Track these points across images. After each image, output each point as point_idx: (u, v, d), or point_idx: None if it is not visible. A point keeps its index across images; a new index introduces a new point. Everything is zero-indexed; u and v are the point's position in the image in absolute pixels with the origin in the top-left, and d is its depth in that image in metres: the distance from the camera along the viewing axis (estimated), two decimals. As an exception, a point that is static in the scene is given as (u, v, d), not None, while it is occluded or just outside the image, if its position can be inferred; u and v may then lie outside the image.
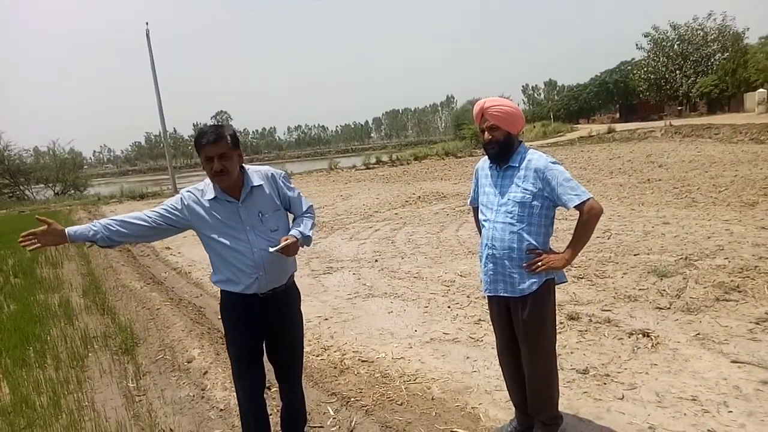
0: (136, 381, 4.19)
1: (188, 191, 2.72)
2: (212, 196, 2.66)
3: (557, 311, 4.79)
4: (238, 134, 2.67)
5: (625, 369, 3.71)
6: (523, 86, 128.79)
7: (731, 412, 3.07)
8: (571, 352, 4.03)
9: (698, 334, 4.15)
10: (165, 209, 2.66)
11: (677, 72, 49.46)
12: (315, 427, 3.33)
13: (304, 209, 2.89)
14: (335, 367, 4.14)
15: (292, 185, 2.92)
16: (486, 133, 2.83)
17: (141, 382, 4.16)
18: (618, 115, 57.72)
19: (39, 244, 2.51)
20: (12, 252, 10.61)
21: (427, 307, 5.35)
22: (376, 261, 7.41)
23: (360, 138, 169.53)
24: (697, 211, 8.74)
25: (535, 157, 2.81)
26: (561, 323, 4.58)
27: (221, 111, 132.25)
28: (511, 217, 2.77)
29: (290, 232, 2.74)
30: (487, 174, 2.96)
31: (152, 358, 4.65)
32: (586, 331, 4.42)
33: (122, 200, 24.34)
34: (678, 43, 49.63)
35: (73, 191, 35.63)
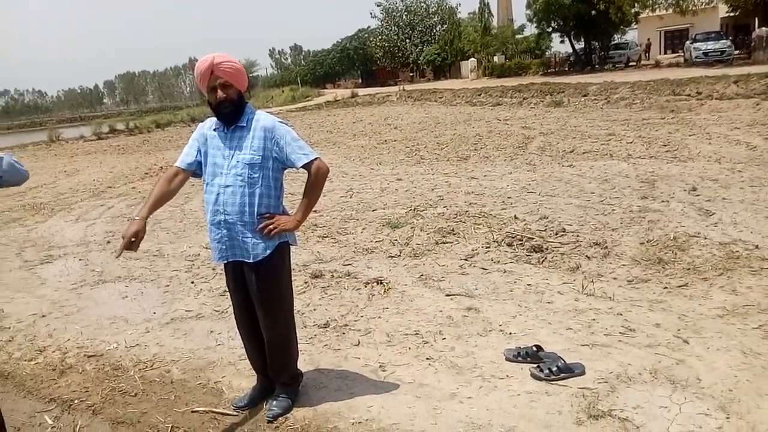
0: None
1: None
2: None
3: (303, 272, 4.96)
4: None
5: (362, 317, 3.99)
6: (270, 50, 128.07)
7: (444, 339, 3.54)
8: (314, 309, 4.18)
9: (422, 275, 4.67)
10: None
11: (407, 41, 54.41)
12: (29, 442, 2.87)
13: None
14: (54, 369, 3.59)
15: None
16: (219, 91, 2.67)
17: None
18: (360, 81, 61.43)
19: None
20: None
21: (168, 285, 4.99)
22: (109, 242, 6.63)
23: (90, 105, 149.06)
24: (424, 166, 9.83)
25: (263, 117, 2.77)
26: (306, 283, 4.71)
27: None
28: (242, 180, 2.69)
29: None
30: (214, 135, 2.80)
31: None
32: (328, 286, 4.62)
33: None
34: (406, 14, 54.46)
35: None
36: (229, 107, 2.69)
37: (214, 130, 2.80)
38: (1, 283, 5.42)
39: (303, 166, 2.73)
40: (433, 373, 3.14)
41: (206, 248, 5.99)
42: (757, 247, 4.55)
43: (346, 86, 54.97)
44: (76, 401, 3.19)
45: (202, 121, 2.98)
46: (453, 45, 46.32)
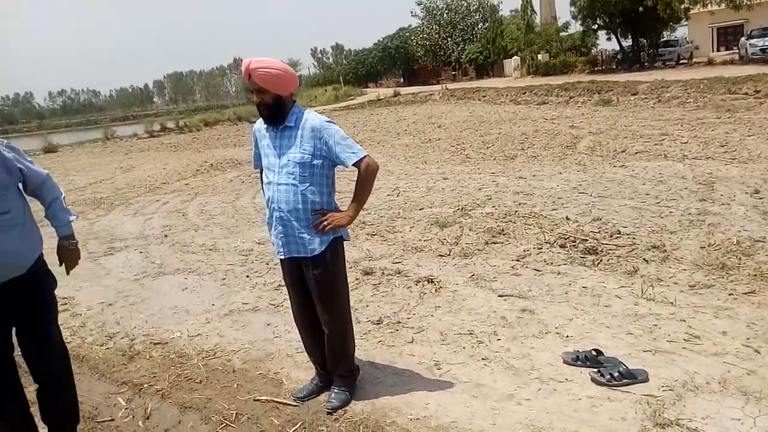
0: None
1: None
2: None
3: (354, 268, 5.03)
4: None
5: (414, 314, 4.02)
6: (311, 49, 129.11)
7: (499, 339, 3.53)
8: (367, 305, 4.24)
9: (473, 275, 4.66)
10: None
11: (448, 39, 54.01)
12: (104, 421, 3.03)
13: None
14: (124, 355, 3.78)
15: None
16: (255, 95, 2.78)
17: None
18: (402, 80, 61.33)
19: None
20: None
21: (224, 279, 5.15)
22: (166, 236, 6.88)
23: (141, 104, 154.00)
24: (470, 166, 9.77)
25: (311, 116, 2.83)
26: (357, 279, 4.78)
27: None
28: (293, 178, 2.77)
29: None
30: (265, 135, 2.91)
31: None
32: (379, 284, 4.67)
33: None
34: (447, 12, 54.07)
35: None
36: (264, 110, 2.79)
37: (266, 128, 2.90)
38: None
39: (353, 164, 2.78)
40: (489, 374, 3.14)
41: (259, 244, 6.14)
42: (827, 253, 4.35)
43: (388, 85, 54.99)
44: (145, 385, 3.35)
45: (248, 120, 3.08)
46: (495, 43, 45.65)
